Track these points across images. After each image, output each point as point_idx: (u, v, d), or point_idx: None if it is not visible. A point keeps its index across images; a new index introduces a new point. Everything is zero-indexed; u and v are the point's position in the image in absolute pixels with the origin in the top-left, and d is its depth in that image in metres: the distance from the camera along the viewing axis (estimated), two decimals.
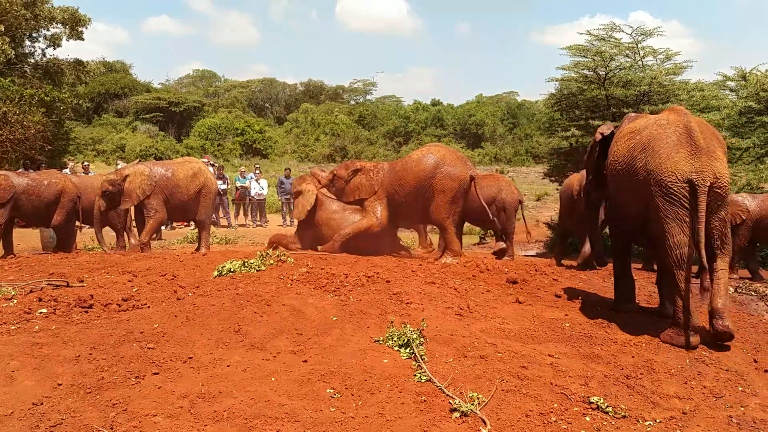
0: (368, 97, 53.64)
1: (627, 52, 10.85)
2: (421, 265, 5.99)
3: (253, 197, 13.72)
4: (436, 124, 37.40)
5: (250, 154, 29.99)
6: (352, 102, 52.19)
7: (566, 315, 4.52)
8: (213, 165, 13.96)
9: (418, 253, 7.76)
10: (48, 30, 16.46)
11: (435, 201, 6.67)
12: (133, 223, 8.39)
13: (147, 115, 32.79)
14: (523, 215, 9.01)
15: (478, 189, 8.41)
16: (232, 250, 7.73)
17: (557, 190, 13.65)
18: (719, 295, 3.95)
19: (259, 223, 13.70)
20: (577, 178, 7.32)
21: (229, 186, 13.74)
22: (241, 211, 13.83)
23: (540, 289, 5.36)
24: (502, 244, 8.46)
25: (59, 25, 16.36)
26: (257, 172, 14.47)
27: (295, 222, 13.71)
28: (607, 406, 2.94)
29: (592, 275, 6.39)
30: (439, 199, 6.65)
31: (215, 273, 5.17)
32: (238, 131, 31.00)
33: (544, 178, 14.66)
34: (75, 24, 16.25)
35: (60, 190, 7.58)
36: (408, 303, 4.41)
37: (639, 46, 10.83)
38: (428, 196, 6.74)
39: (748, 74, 11.09)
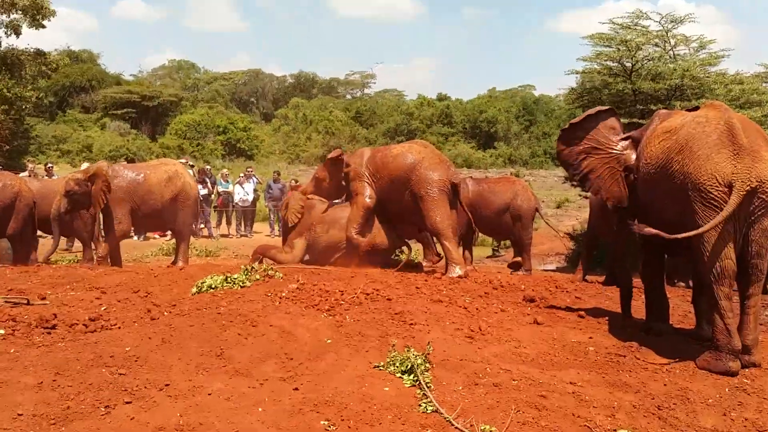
0: (366, 91, 53.95)
1: (656, 40, 10.89)
2: (426, 280, 6.00)
3: (237, 204, 13.74)
4: (443, 121, 37.54)
5: (234, 155, 30.07)
6: (348, 96, 52.40)
7: (590, 338, 4.52)
8: (203, 168, 14.00)
9: (425, 266, 7.78)
10: (8, 16, 16.54)
11: (422, 207, 6.77)
12: (103, 233, 8.41)
13: (117, 111, 32.96)
14: (546, 221, 9.05)
15: (491, 194, 8.47)
16: (214, 264, 7.74)
17: (580, 196, 13.69)
18: (749, 329, 3.95)
19: (244, 233, 13.72)
20: None
21: (214, 192, 13.73)
22: (224, 220, 13.86)
23: (561, 308, 5.36)
24: (518, 259, 8.48)
25: (19, 12, 16.43)
26: (248, 174, 14.44)
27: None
28: None
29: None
30: (424, 205, 6.75)
31: (194, 289, 5.18)
32: (220, 129, 31.11)
33: (564, 183, 14.69)
34: (36, 13, 16.30)
35: (14, 194, 7.55)
36: (412, 324, 4.42)
37: (669, 34, 10.89)
38: (407, 198, 6.90)
39: None
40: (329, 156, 7.71)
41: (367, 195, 7.15)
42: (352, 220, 7.11)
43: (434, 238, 7.57)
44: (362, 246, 6.96)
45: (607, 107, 5.15)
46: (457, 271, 6.57)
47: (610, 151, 4.95)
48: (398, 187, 6.94)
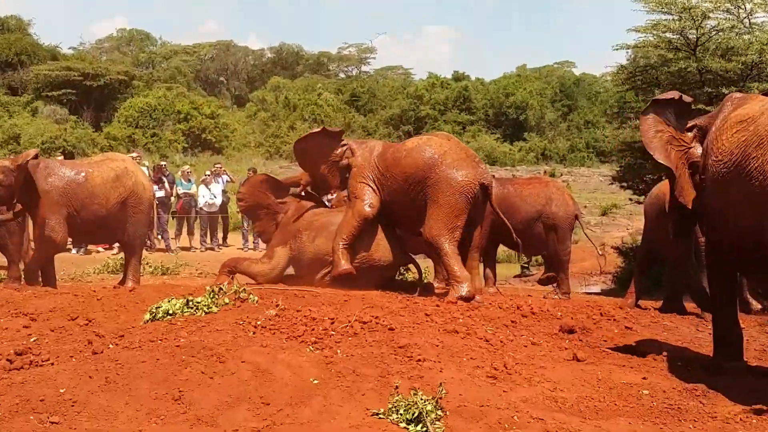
0: (364, 68, 54.26)
1: (727, 5, 10.90)
2: (438, 306, 5.99)
3: (201, 209, 13.76)
4: (460, 106, 37.73)
5: (198, 148, 30.19)
6: (342, 75, 52.70)
7: (644, 378, 4.51)
8: (159, 165, 14.01)
9: (437, 287, 7.79)
10: None
11: (429, 211, 6.72)
12: (32, 244, 8.42)
13: (52, 93, 33.09)
14: (585, 234, 9.04)
15: (519, 199, 8.50)
16: (172, 284, 7.71)
17: (631, 200, 13.71)
18: None
19: (210, 245, 13.74)
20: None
21: (173, 195, 13.76)
22: (185, 229, 13.87)
23: (607, 341, 5.36)
24: (551, 273, 8.48)
25: None
26: (216, 172, 14.48)
27: (261, 245, 13.83)
28: None
29: (681, 322, 6.38)
30: (435, 210, 6.69)
31: (147, 316, 5.17)
32: (181, 116, 31.27)
33: (612, 184, 14.70)
34: None
35: None
36: (420, 360, 4.42)
37: None
38: (420, 203, 6.86)
39: None
40: (327, 128, 7.70)
41: (368, 202, 7.11)
42: (342, 229, 7.03)
43: (430, 251, 7.46)
44: (342, 267, 6.88)
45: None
46: (463, 290, 6.47)
47: (683, 143, 4.98)
48: (411, 189, 6.91)
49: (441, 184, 6.72)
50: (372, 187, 7.18)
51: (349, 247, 7.01)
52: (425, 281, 7.89)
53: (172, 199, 13.76)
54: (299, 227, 7.42)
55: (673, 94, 5.18)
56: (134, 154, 14.00)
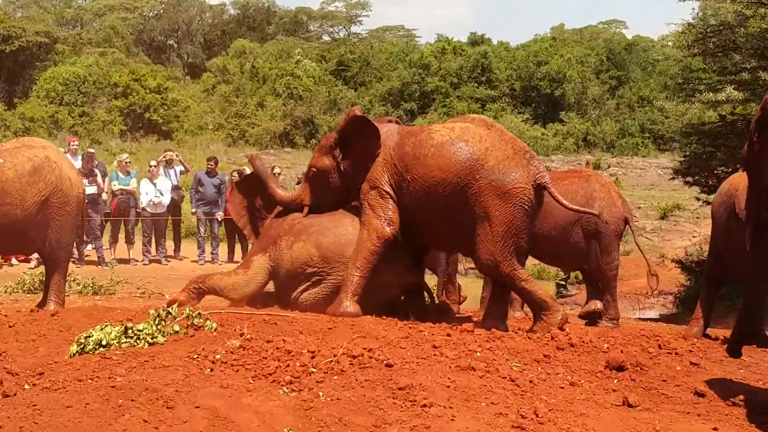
0: (355, 29, 54.29)
1: None
2: (449, 335, 5.97)
3: (145, 209, 13.73)
4: (478, 78, 37.74)
5: (140, 131, 30.13)
6: (326, 38, 52.67)
7: (715, 429, 4.50)
8: (89, 153, 13.96)
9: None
10: None
11: (482, 230, 6.68)
12: None
13: None
14: (636, 243, 9.05)
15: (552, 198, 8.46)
16: (106, 307, 7.64)
17: (698, 200, 13.69)
18: None
19: (156, 256, 13.71)
20: (743, 183, 7.37)
21: (107, 191, 13.74)
22: (123, 235, 13.84)
23: (667, 380, 5.34)
24: (597, 304, 8.47)
25: None
26: (166, 161, 14.46)
27: (220, 257, 13.84)
28: None
29: (762, 356, 6.37)
30: (489, 227, 6.67)
31: (74, 348, 5.14)
32: (119, 89, 31.21)
33: (673, 178, 14.70)
34: None
35: None
36: (426, 406, 4.38)
37: None
38: (456, 215, 6.77)
39: None
40: (351, 115, 7.21)
41: (387, 217, 6.88)
42: (357, 257, 6.81)
43: (491, 278, 7.41)
44: (346, 309, 6.74)
45: None
46: (558, 317, 6.60)
47: None
48: (442, 197, 6.76)
49: (488, 192, 6.65)
50: (389, 193, 7.00)
51: (364, 282, 6.77)
52: (439, 301, 7.89)
53: (105, 196, 13.68)
54: (280, 231, 7.36)
55: None
56: (75, 142, 14.02)
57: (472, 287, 9.98)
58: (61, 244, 7.97)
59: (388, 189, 6.99)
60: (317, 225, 7.16)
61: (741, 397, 5.11)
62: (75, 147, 13.99)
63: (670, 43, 30.85)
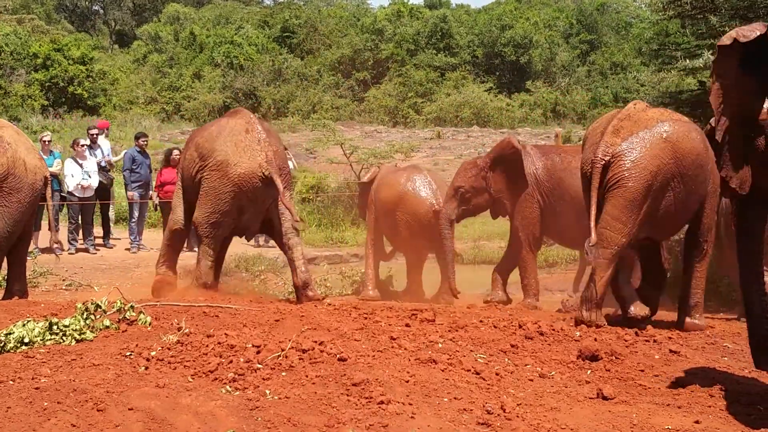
0: None
1: None
2: (408, 326, 6.02)
3: (71, 193, 13.48)
4: (437, 44, 37.61)
5: (63, 107, 29.71)
6: (269, 2, 52.34)
7: (697, 422, 4.54)
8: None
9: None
10: None
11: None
12: None
13: None
14: None
15: (569, 174, 8.73)
16: (28, 301, 7.72)
17: None
18: None
19: (83, 245, 13.57)
20: None
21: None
22: (46, 221, 13.58)
23: (645, 370, 5.41)
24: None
25: None
26: (91, 138, 14.20)
27: (151, 243, 13.70)
28: None
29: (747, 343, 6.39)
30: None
31: None
32: (39, 61, 30.80)
33: None
34: None
35: None
36: (383, 402, 4.40)
37: None
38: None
39: None
40: (502, 147, 8.57)
41: (531, 236, 8.49)
42: (525, 273, 8.54)
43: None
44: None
45: None
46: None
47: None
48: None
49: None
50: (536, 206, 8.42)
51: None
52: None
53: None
54: None
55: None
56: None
57: None
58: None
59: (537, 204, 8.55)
60: None
61: (724, 387, 5.13)
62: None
63: (643, 5, 30.83)
